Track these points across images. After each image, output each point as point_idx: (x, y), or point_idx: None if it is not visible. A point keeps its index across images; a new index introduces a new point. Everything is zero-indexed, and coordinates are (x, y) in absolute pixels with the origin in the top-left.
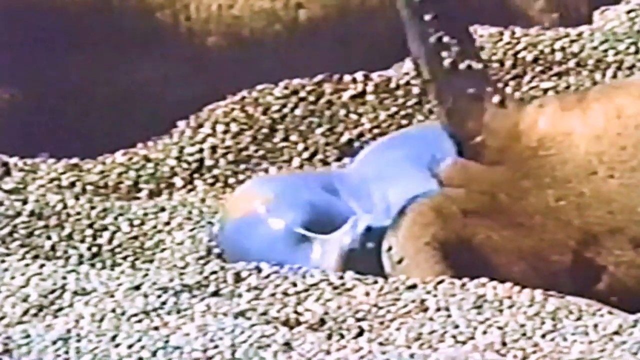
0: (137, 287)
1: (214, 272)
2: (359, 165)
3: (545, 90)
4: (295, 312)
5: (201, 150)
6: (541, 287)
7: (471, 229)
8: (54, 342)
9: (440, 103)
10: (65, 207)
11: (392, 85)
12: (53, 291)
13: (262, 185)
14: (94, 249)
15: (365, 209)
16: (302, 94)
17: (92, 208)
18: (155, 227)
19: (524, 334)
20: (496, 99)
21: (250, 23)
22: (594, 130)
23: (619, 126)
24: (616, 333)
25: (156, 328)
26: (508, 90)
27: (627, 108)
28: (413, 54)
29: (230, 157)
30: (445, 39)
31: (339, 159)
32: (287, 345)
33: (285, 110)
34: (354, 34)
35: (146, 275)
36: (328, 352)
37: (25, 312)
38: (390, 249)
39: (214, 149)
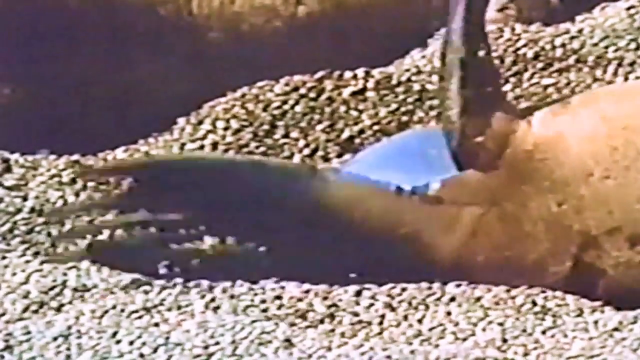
0: (138, 284)
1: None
2: (351, 168)
3: (546, 87)
4: (296, 308)
5: (202, 147)
6: None
7: (474, 248)
8: (55, 339)
9: (463, 88)
10: (65, 203)
11: (393, 82)
12: (53, 288)
13: None
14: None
15: None
16: (303, 90)
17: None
18: None
19: (524, 331)
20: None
21: (249, 19)
22: (584, 132)
23: (607, 128)
24: (616, 329)
25: (157, 325)
26: (508, 86)
27: (610, 111)
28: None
29: (231, 153)
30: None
31: (339, 156)
32: (288, 341)
33: (286, 106)
34: (353, 29)
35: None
36: (329, 349)
37: (26, 309)
38: None
39: (214, 145)
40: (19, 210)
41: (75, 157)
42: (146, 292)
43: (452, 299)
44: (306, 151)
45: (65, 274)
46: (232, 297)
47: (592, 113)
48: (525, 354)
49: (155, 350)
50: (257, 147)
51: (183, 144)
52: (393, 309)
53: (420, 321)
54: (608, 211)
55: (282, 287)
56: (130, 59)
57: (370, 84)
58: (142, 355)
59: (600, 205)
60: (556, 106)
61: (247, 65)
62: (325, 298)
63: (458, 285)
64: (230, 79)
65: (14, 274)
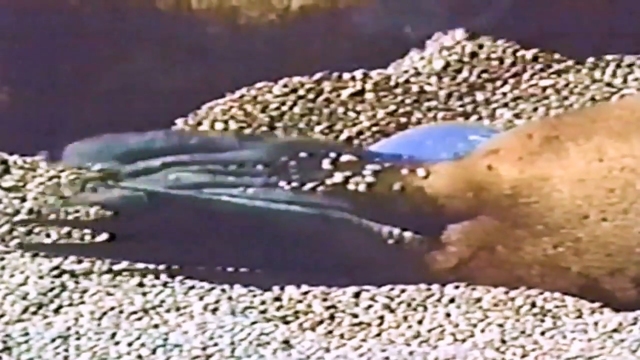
0: (137, 285)
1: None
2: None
3: (545, 88)
4: (295, 310)
5: None
6: None
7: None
8: (53, 340)
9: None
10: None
11: (391, 83)
12: (52, 289)
13: None
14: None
15: None
16: (301, 92)
17: (91, 206)
18: None
19: (523, 332)
20: (405, 170)
21: (246, 12)
22: (575, 174)
23: (604, 169)
24: (615, 331)
25: (156, 326)
26: (507, 88)
27: (609, 150)
28: None
29: None
30: None
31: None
32: (287, 343)
33: (284, 108)
34: (347, 25)
35: (145, 273)
36: (327, 350)
37: (25, 310)
38: None
39: None
40: (17, 212)
41: None
42: (145, 294)
43: (451, 301)
44: None
45: (63, 276)
46: (230, 298)
47: (585, 152)
48: (524, 355)
49: (154, 352)
50: None
51: None
52: (392, 311)
53: (419, 322)
54: (607, 253)
55: (282, 289)
56: (130, 56)
57: (369, 85)
58: (140, 357)
59: (600, 248)
60: (534, 142)
61: (245, 61)
62: (324, 299)
63: (457, 287)
64: (230, 73)
65: (13, 276)
